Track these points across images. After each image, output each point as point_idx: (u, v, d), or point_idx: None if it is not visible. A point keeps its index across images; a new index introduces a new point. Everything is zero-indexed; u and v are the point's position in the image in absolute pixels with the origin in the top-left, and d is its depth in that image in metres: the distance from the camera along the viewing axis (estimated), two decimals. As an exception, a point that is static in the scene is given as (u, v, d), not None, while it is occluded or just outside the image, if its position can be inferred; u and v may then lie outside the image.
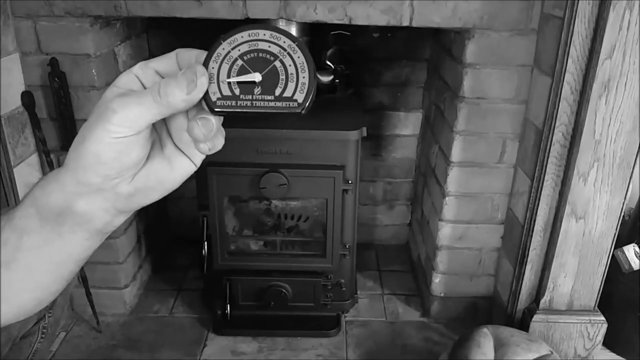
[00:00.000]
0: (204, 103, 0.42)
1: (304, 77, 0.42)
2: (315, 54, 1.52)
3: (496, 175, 1.46)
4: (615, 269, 1.39)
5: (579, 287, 1.36)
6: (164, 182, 0.46)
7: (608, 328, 1.39)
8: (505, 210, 1.50)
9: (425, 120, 1.83)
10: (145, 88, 0.44)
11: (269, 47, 0.43)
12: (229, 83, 0.42)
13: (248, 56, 0.43)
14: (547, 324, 1.39)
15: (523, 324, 1.42)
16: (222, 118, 0.44)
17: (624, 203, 1.27)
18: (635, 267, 1.38)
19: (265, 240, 1.60)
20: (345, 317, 1.64)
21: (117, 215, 0.45)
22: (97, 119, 0.41)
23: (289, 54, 0.42)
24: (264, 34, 0.43)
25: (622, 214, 1.28)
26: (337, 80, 1.58)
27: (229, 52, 0.42)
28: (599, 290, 1.37)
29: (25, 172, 1.36)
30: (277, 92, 0.42)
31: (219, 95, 0.42)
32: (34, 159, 1.40)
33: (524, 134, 1.39)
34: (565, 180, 1.27)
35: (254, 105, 0.42)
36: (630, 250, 1.39)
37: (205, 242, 1.45)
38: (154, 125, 0.43)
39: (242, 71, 0.42)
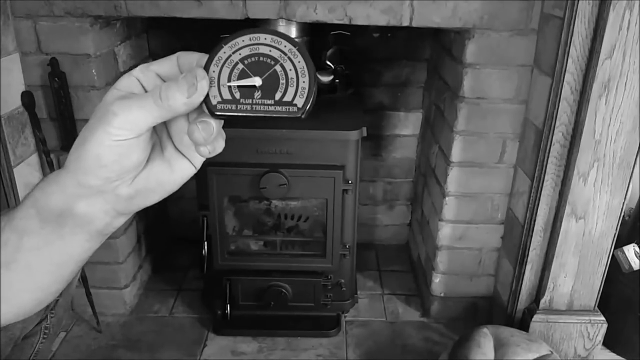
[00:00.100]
0: (204, 106, 0.43)
1: (304, 82, 0.42)
2: (315, 54, 1.53)
3: (496, 175, 1.46)
4: (615, 269, 1.39)
5: (579, 287, 1.36)
6: (164, 184, 0.46)
7: (608, 328, 1.39)
8: (505, 210, 1.50)
9: (425, 120, 1.83)
10: (146, 91, 0.44)
11: (270, 51, 0.43)
12: (230, 87, 0.42)
13: (249, 60, 0.43)
14: (547, 324, 1.39)
15: (523, 324, 1.42)
16: (222, 121, 0.44)
17: (624, 203, 1.27)
18: (635, 267, 1.38)
19: (265, 240, 1.60)
20: (345, 317, 1.64)
21: (117, 217, 0.46)
22: (98, 122, 0.41)
23: (289, 58, 0.43)
24: (265, 38, 0.43)
25: (622, 214, 1.29)
26: (337, 80, 1.58)
27: (229, 55, 0.43)
28: (599, 290, 1.37)
29: (25, 172, 1.36)
30: (277, 96, 0.42)
31: (220, 99, 0.42)
32: (34, 159, 1.40)
33: (524, 134, 1.39)
34: (565, 180, 1.27)
35: (254, 109, 0.42)
36: (630, 250, 1.39)
37: (205, 242, 1.45)
38: (154, 127, 0.44)
39: (242, 75, 0.42)
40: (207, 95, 0.42)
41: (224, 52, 0.43)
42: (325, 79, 1.56)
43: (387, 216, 2.02)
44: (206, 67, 0.42)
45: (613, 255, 1.35)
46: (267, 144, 1.37)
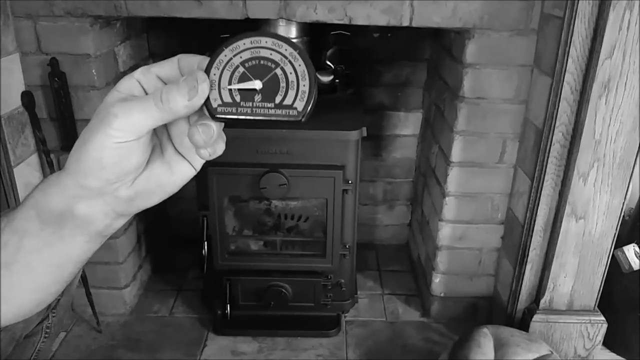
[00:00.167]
0: (205, 109, 0.43)
1: (304, 85, 0.42)
2: (315, 54, 1.53)
3: (496, 175, 1.46)
4: (615, 269, 1.39)
5: (579, 287, 1.36)
6: (164, 186, 0.46)
7: (608, 328, 1.39)
8: (505, 210, 1.50)
9: (425, 120, 1.83)
10: (146, 93, 0.44)
11: (271, 54, 0.43)
12: (230, 90, 0.42)
13: (249, 63, 0.43)
14: (547, 324, 1.39)
15: (523, 324, 1.42)
16: (223, 124, 0.44)
17: (624, 203, 1.27)
18: (635, 267, 1.38)
19: (265, 240, 1.60)
20: (345, 317, 1.64)
21: (117, 219, 0.46)
22: (99, 124, 0.41)
23: (290, 61, 0.43)
24: (266, 42, 0.43)
25: (622, 214, 1.29)
26: (337, 80, 1.58)
27: (230, 58, 0.43)
28: (599, 290, 1.37)
29: (25, 172, 1.36)
30: (277, 99, 0.42)
31: (220, 102, 0.42)
32: (34, 159, 1.40)
33: (524, 134, 1.39)
34: (565, 180, 1.27)
35: (254, 112, 0.43)
36: (630, 250, 1.39)
37: (205, 242, 1.45)
38: (154, 129, 0.44)
39: (243, 78, 0.43)
40: (208, 98, 0.42)
41: (225, 55, 0.43)
42: (325, 79, 1.56)
43: (387, 216, 2.02)
44: (207, 70, 0.42)
45: (613, 255, 1.35)
46: (267, 144, 1.37)
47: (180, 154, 0.46)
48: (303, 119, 0.43)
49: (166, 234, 1.96)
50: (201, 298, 1.68)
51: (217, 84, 0.42)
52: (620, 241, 1.37)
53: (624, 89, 1.15)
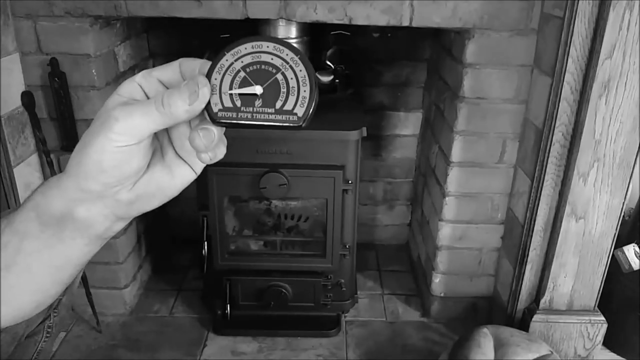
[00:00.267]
0: (206, 114, 0.43)
1: (305, 91, 0.42)
2: (315, 54, 1.53)
3: (496, 175, 1.46)
4: (615, 269, 1.39)
5: (579, 287, 1.37)
6: (164, 190, 0.46)
7: (608, 328, 1.39)
8: (505, 210, 1.50)
9: (425, 120, 1.83)
10: (147, 97, 0.44)
11: (272, 59, 0.43)
12: (231, 95, 0.42)
13: (251, 68, 0.43)
14: (547, 324, 1.39)
15: (523, 324, 1.42)
16: (224, 128, 0.44)
17: (624, 203, 1.27)
18: (635, 267, 1.38)
19: (265, 240, 1.60)
20: (345, 317, 1.64)
21: (116, 222, 0.46)
22: (100, 127, 0.41)
23: (291, 67, 0.43)
24: (267, 46, 0.43)
25: (622, 214, 1.29)
26: (337, 80, 1.58)
27: (232, 63, 0.43)
28: (599, 290, 1.37)
29: (25, 172, 1.36)
30: (278, 105, 0.42)
31: (221, 107, 0.42)
32: (34, 159, 1.40)
33: (524, 134, 1.39)
34: (565, 180, 1.27)
35: (255, 117, 0.43)
36: (630, 250, 1.39)
37: (205, 242, 1.45)
38: (155, 133, 0.44)
39: (244, 83, 0.42)
40: (209, 103, 0.42)
41: (227, 60, 0.43)
42: (325, 79, 1.56)
43: (387, 216, 2.02)
44: (208, 75, 0.42)
45: (613, 255, 1.35)
46: (267, 144, 1.37)
47: (181, 157, 0.46)
48: (303, 125, 0.42)
49: (166, 234, 1.96)
50: (201, 298, 1.69)
51: (218, 88, 0.42)
52: (620, 241, 1.37)
53: (624, 89, 1.15)
